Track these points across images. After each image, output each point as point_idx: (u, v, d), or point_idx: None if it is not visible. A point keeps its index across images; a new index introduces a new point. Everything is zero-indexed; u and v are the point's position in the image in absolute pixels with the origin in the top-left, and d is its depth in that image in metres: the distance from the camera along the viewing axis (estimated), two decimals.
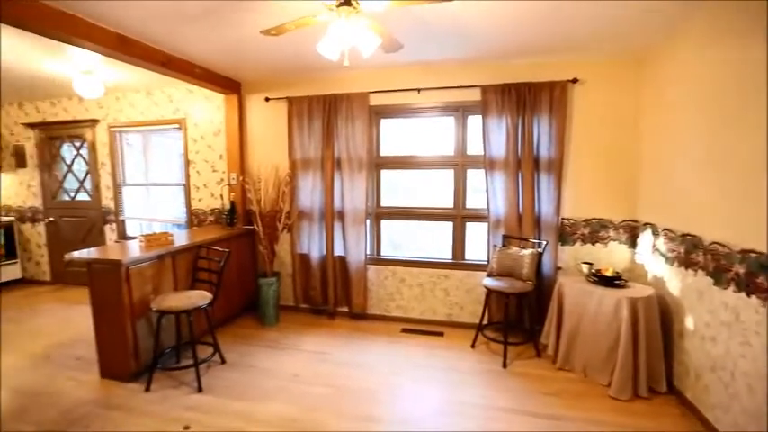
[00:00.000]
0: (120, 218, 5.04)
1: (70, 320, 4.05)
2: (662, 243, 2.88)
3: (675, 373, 2.69)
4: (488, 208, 3.60)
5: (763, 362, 1.89)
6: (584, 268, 3.15)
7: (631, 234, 3.39)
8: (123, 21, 2.62)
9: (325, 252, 4.06)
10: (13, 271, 5.35)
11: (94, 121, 4.94)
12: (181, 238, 3.49)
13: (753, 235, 1.98)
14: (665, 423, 2.41)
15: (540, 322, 3.37)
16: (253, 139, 4.30)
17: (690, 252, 2.50)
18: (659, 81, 2.99)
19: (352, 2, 1.92)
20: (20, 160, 5.37)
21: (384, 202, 4.12)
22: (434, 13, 2.48)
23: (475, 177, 3.81)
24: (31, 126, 5.24)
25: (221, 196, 4.44)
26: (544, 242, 3.37)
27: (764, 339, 1.88)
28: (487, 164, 3.55)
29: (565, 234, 3.55)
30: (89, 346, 3.14)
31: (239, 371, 3.03)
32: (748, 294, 2.00)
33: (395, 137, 4.08)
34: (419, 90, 3.69)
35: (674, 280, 2.72)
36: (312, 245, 4.09)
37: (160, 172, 4.88)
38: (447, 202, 3.91)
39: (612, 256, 3.44)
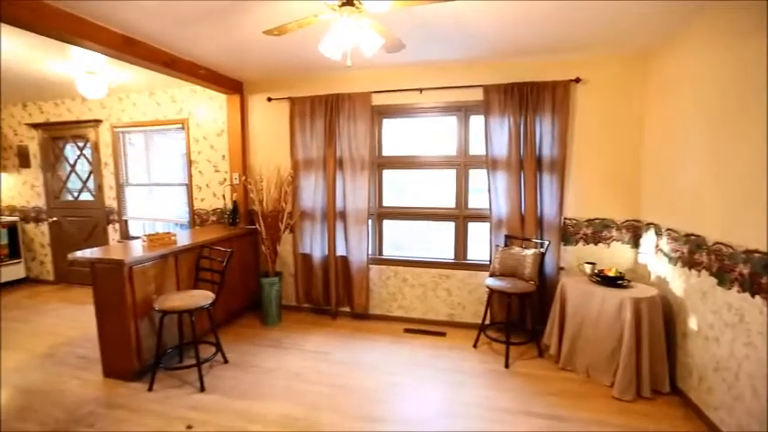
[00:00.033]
0: (123, 218, 5.06)
1: (74, 320, 4.07)
2: (665, 243, 2.87)
3: (679, 374, 2.68)
4: (490, 208, 3.60)
5: (767, 363, 1.88)
6: (587, 268, 3.15)
7: (634, 234, 3.38)
8: (127, 21, 2.62)
9: (327, 252, 4.07)
10: (16, 270, 5.38)
11: (98, 122, 4.96)
12: (183, 238, 3.50)
13: (757, 235, 1.97)
14: (669, 424, 2.40)
15: (543, 322, 3.37)
16: (255, 139, 4.31)
17: (693, 252, 2.49)
18: (662, 81, 2.98)
19: (355, 2, 1.92)
20: (23, 160, 5.40)
21: (386, 202, 4.12)
22: (437, 13, 2.48)
23: (477, 177, 3.81)
24: (35, 126, 5.27)
25: (224, 196, 4.45)
26: (546, 242, 3.36)
27: None
28: (490, 164, 3.54)
29: (567, 234, 3.54)
30: (92, 345, 3.16)
31: (242, 370, 3.03)
32: (752, 295, 1.99)
33: (397, 137, 4.08)
34: (421, 90, 3.69)
35: (677, 280, 2.71)
36: (314, 245, 4.10)
37: (163, 172, 4.90)
38: (449, 202, 3.91)
39: (615, 256, 3.43)
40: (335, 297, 4.09)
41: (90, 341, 3.39)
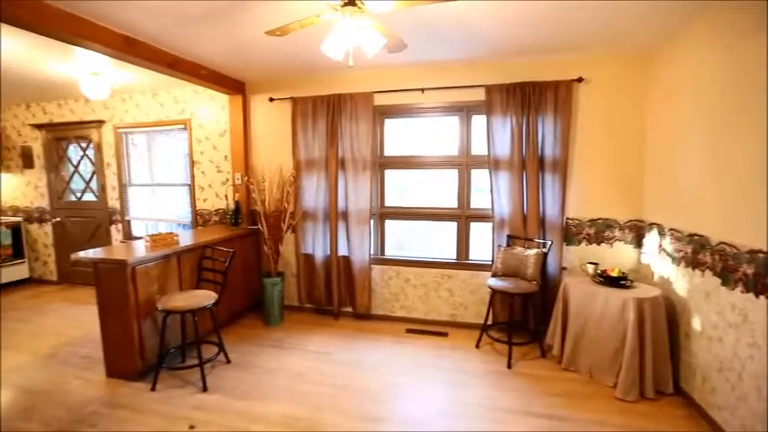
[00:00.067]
0: (126, 218, 5.08)
1: (77, 320, 4.08)
2: (668, 243, 2.86)
3: (682, 375, 2.67)
4: (493, 208, 3.59)
5: None
6: (590, 268, 3.14)
7: (637, 234, 3.37)
8: (128, 22, 2.62)
9: (329, 252, 4.07)
10: (20, 271, 5.41)
11: (100, 122, 4.98)
12: (186, 239, 3.50)
13: (757, 235, 1.97)
14: (672, 425, 2.39)
15: (545, 323, 3.36)
16: (257, 140, 4.31)
17: (697, 252, 2.48)
18: (665, 80, 2.97)
19: (357, 2, 1.92)
20: (27, 161, 5.43)
21: (388, 203, 4.12)
22: (439, 13, 2.48)
23: (479, 177, 3.80)
24: (39, 127, 5.29)
25: (226, 196, 4.46)
26: (549, 242, 3.35)
27: None
28: (492, 164, 3.54)
29: (570, 234, 3.53)
30: (96, 345, 3.17)
31: (244, 370, 3.04)
32: (757, 295, 1.98)
33: (399, 137, 4.08)
34: (423, 90, 3.69)
35: (680, 280, 2.70)
36: (316, 245, 4.10)
37: (165, 172, 4.91)
38: (451, 202, 3.91)
39: (618, 256, 3.41)
40: (338, 297, 4.09)
41: (93, 341, 3.40)
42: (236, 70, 3.84)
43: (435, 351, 3.37)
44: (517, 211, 3.50)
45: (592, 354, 2.87)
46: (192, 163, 4.59)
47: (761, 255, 1.95)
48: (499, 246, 3.53)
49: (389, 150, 4.05)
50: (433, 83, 3.67)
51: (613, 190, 3.40)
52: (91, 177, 5.24)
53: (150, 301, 2.92)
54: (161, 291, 3.03)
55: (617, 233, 3.43)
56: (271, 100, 4.14)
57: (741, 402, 2.08)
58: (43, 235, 5.52)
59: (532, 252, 3.28)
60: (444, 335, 3.70)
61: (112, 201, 5.10)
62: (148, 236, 3.19)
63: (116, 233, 5.14)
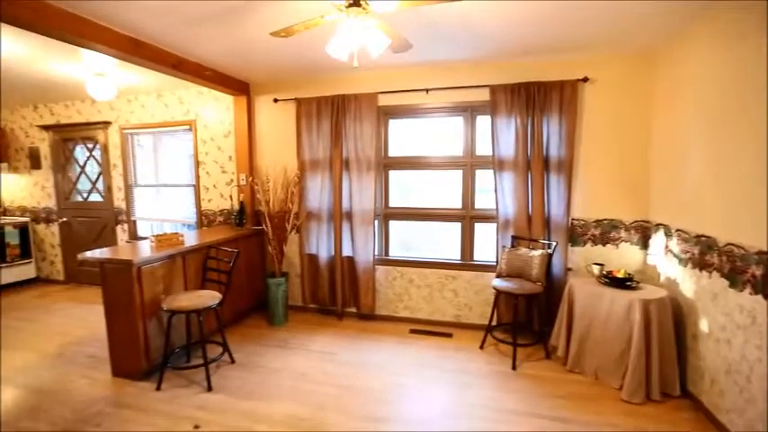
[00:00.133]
0: (132, 218, 5.11)
1: (83, 319, 4.11)
2: (675, 244, 2.83)
3: (690, 377, 2.65)
4: (497, 208, 3.58)
5: None
6: (595, 269, 3.11)
7: (643, 235, 3.34)
8: (130, 22, 2.62)
9: (333, 253, 4.07)
10: (27, 270, 5.46)
11: (107, 123, 5.01)
12: (191, 239, 3.52)
13: (757, 235, 1.97)
14: (679, 427, 2.37)
15: (550, 324, 3.34)
16: (262, 140, 4.33)
17: (704, 253, 2.46)
18: (670, 80, 2.95)
19: (362, 2, 1.92)
20: (35, 162, 5.48)
21: (392, 203, 4.12)
22: (443, 13, 2.47)
23: (484, 178, 3.79)
24: (46, 128, 5.34)
25: (231, 197, 4.47)
26: (554, 243, 3.34)
27: None
28: (496, 164, 3.52)
29: (575, 235, 3.51)
30: (101, 344, 3.20)
31: (248, 370, 3.05)
32: (765, 297, 1.96)
33: (403, 137, 4.07)
34: (428, 90, 3.68)
35: (687, 282, 2.67)
36: (320, 245, 4.10)
37: (171, 173, 4.94)
38: (455, 202, 3.90)
39: (624, 257, 3.39)
40: (342, 297, 4.09)
41: (99, 340, 3.42)
42: (241, 71, 3.86)
43: (439, 352, 3.36)
44: (522, 212, 3.49)
45: (597, 355, 2.85)
46: (197, 163, 4.62)
47: None
48: (504, 246, 3.51)
49: (394, 151, 4.05)
50: (438, 83, 3.66)
51: (619, 190, 3.38)
52: (97, 178, 5.29)
53: (155, 300, 2.93)
54: (166, 291, 3.05)
55: (623, 234, 3.40)
56: (275, 101, 4.16)
57: (749, 405, 2.06)
58: (50, 235, 5.57)
59: (537, 253, 3.26)
60: (448, 335, 3.69)
61: (118, 201, 5.13)
62: (154, 236, 3.21)
63: (122, 233, 5.18)
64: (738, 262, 2.15)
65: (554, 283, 3.45)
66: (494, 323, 3.46)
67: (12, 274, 5.24)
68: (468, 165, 3.79)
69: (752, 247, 2.05)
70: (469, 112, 3.73)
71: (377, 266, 4.03)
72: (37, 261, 5.61)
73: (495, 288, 3.23)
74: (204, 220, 4.67)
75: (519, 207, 3.49)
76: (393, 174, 4.09)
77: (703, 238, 2.47)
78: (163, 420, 2.44)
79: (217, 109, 4.47)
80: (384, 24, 2.13)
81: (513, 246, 3.50)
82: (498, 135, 3.50)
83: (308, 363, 3.17)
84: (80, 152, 5.37)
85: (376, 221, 3.98)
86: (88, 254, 2.95)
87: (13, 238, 5.29)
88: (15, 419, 2.47)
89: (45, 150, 5.42)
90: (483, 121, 3.71)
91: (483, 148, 3.74)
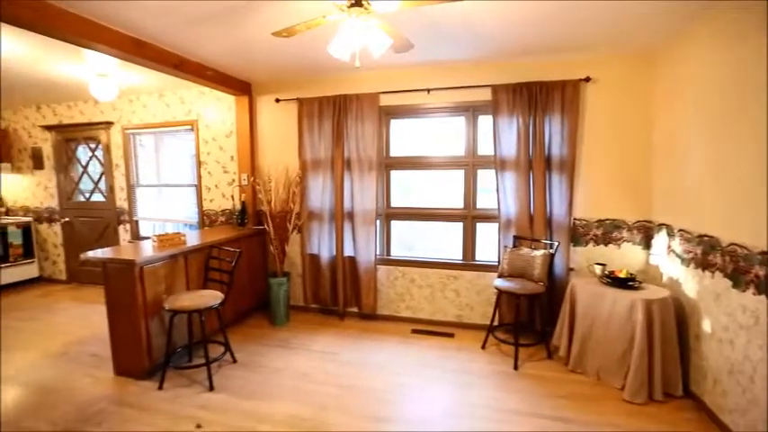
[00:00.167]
0: (134, 218, 5.12)
1: (86, 319, 4.12)
2: (677, 244, 2.82)
3: (692, 377, 2.64)
4: (499, 208, 3.57)
5: None
6: (597, 269, 3.11)
7: (645, 235, 3.33)
8: (131, 22, 2.63)
9: (335, 252, 4.07)
10: (30, 270, 5.48)
11: (109, 124, 5.03)
12: (193, 239, 3.53)
13: (757, 235, 1.97)
14: (681, 427, 2.36)
15: (552, 324, 3.33)
16: (263, 140, 4.33)
17: (707, 253, 2.45)
18: (671, 80, 2.95)
19: (364, 2, 1.92)
20: (37, 162, 5.50)
21: (394, 203, 4.12)
22: (444, 13, 2.47)
23: (485, 178, 3.79)
24: (49, 128, 5.36)
25: (232, 197, 4.48)
26: (556, 243, 3.33)
27: None
28: (498, 164, 3.52)
29: (577, 235, 3.50)
30: (104, 344, 3.20)
31: (250, 370, 3.05)
32: None
33: (405, 137, 4.07)
34: (429, 90, 3.68)
35: (690, 282, 2.66)
36: (322, 245, 4.11)
37: (172, 173, 4.95)
38: (457, 202, 3.89)
39: (626, 257, 3.38)
40: (343, 297, 4.09)
41: (101, 340, 3.43)
42: (242, 71, 3.86)
43: (441, 352, 3.36)
44: (524, 212, 3.48)
45: (599, 355, 2.84)
46: (199, 163, 4.62)
47: None
48: (505, 246, 3.51)
49: (395, 151, 4.05)
50: (440, 83, 3.66)
51: (621, 190, 3.37)
52: (99, 178, 5.30)
53: (158, 300, 2.94)
54: (168, 290, 3.05)
55: (625, 234, 3.39)
56: (277, 101, 4.16)
57: (752, 405, 2.05)
58: (53, 235, 5.58)
59: (539, 253, 3.26)
60: (450, 335, 3.69)
61: (120, 201, 5.15)
62: (156, 236, 3.22)
63: (124, 233, 5.19)
64: (741, 262, 2.14)
65: (556, 283, 3.44)
66: (495, 323, 3.45)
67: (15, 273, 5.26)
68: (470, 164, 3.79)
69: (755, 248, 2.04)
70: (471, 111, 3.72)
71: (378, 266, 4.03)
72: (40, 261, 5.63)
73: (496, 288, 3.23)
74: (206, 220, 4.68)
75: (521, 207, 3.48)
76: (395, 174, 4.09)
77: (706, 238, 2.46)
78: (165, 420, 2.45)
79: (218, 109, 4.48)
80: (386, 24, 2.13)
81: (514, 246, 3.49)
82: (500, 135, 3.49)
83: (309, 362, 3.17)
84: (82, 152, 5.38)
85: (377, 221, 3.99)
86: (90, 254, 2.96)
87: (16, 238, 5.31)
88: (17, 418, 2.48)
89: (48, 150, 5.44)
90: (484, 121, 3.71)
91: (485, 148, 3.74)
